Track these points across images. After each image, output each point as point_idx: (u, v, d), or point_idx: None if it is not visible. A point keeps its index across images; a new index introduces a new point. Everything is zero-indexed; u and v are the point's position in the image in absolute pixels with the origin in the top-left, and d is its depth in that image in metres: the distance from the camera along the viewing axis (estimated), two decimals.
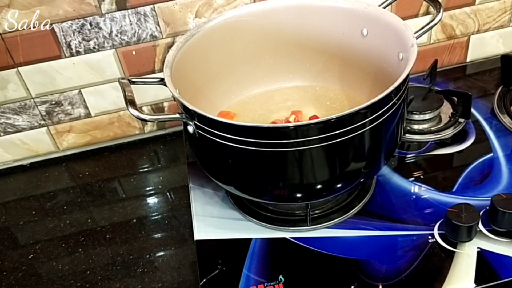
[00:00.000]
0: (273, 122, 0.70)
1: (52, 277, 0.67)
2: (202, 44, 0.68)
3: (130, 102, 0.50)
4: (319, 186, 0.55)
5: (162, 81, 0.57)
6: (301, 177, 0.53)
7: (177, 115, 0.52)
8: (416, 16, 0.91)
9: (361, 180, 0.58)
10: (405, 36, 0.58)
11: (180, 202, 0.76)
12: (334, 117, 0.48)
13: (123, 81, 0.54)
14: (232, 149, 0.51)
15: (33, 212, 0.80)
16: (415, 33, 0.58)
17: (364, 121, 0.51)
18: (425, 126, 0.77)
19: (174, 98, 0.55)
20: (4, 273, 0.69)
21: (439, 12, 0.59)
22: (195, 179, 0.74)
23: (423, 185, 0.68)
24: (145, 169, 0.87)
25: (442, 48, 0.98)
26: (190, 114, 0.53)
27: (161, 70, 0.86)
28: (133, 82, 0.58)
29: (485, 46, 0.99)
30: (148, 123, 0.93)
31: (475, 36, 0.97)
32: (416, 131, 0.76)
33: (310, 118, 0.70)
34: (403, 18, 0.60)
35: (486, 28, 0.97)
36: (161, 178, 0.84)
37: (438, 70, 0.87)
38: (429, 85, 0.81)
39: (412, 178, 0.69)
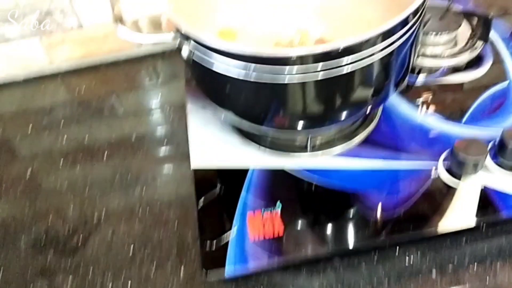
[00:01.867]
0: (277, 44, 0.66)
1: (50, 192, 0.67)
2: None
3: (119, 18, 0.46)
4: (322, 116, 0.52)
5: None
6: (304, 107, 0.50)
7: (172, 36, 0.48)
8: None
9: (368, 109, 0.55)
10: None
11: (179, 120, 0.74)
12: (342, 46, 0.44)
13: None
14: (228, 78, 0.48)
15: (30, 125, 0.78)
16: None
17: (375, 48, 0.46)
18: (439, 49, 0.72)
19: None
20: (4, 186, 0.69)
21: None
22: (193, 100, 0.71)
23: (431, 114, 0.64)
24: (144, 85, 0.85)
25: None
26: (185, 36, 0.48)
27: None
28: None
29: None
30: None
31: None
32: (429, 55, 0.71)
33: (316, 41, 0.65)
34: None
35: None
36: (160, 94, 0.82)
37: None
38: (448, 3, 0.74)
39: (421, 106, 0.66)
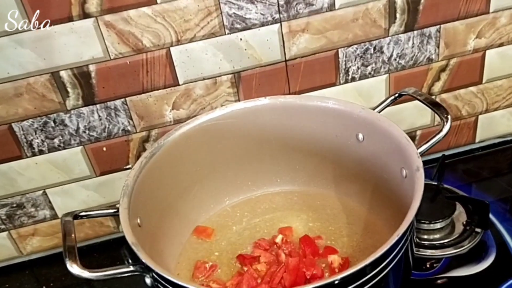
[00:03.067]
0: (257, 244, 0.60)
1: None
2: (172, 154, 0.59)
3: (69, 252, 0.40)
4: None
5: (117, 213, 0.47)
6: None
7: (131, 268, 0.42)
8: None
9: None
10: (408, 152, 0.49)
11: None
12: (339, 278, 0.38)
13: (66, 219, 0.44)
14: None
15: None
16: (419, 147, 0.48)
17: (372, 273, 0.40)
18: (436, 236, 0.66)
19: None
20: None
21: (447, 121, 0.50)
22: None
23: None
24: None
25: None
26: (147, 267, 0.42)
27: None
28: (81, 217, 0.48)
29: (495, 126, 0.91)
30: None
31: (483, 116, 0.89)
32: (426, 244, 0.65)
33: (301, 240, 0.59)
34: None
35: (495, 107, 0.88)
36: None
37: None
38: (437, 183, 0.70)
39: None
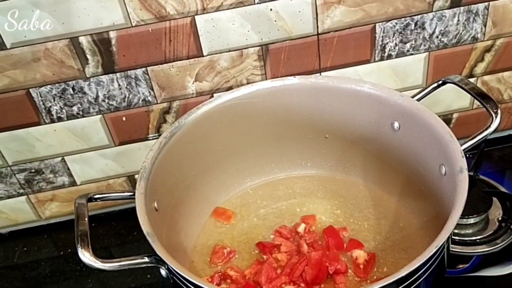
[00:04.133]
0: (278, 232, 0.57)
1: None
2: (194, 134, 0.56)
3: (81, 238, 0.38)
4: None
5: (133, 197, 0.44)
6: None
7: (146, 259, 0.40)
8: None
9: None
10: (450, 150, 0.45)
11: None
12: None
13: (79, 201, 0.42)
14: None
15: (16, 284, 0.72)
16: (462, 144, 0.44)
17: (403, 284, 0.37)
18: (468, 231, 0.62)
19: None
20: None
21: (497, 116, 0.45)
22: None
23: None
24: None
25: (486, 113, 0.83)
26: (162, 260, 0.40)
27: (155, 135, 0.75)
28: (96, 200, 0.45)
29: None
30: None
31: None
32: (457, 240, 0.61)
33: (325, 231, 0.56)
34: None
35: None
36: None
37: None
38: (474, 174, 0.66)
39: None
